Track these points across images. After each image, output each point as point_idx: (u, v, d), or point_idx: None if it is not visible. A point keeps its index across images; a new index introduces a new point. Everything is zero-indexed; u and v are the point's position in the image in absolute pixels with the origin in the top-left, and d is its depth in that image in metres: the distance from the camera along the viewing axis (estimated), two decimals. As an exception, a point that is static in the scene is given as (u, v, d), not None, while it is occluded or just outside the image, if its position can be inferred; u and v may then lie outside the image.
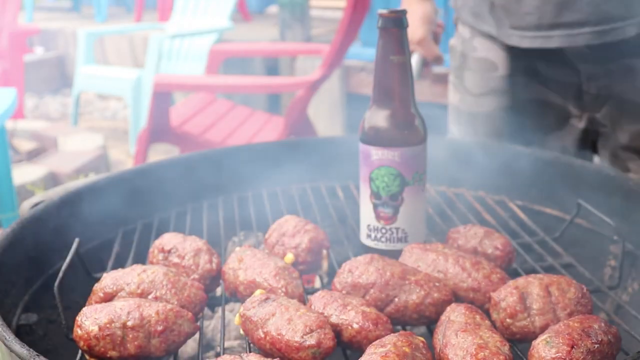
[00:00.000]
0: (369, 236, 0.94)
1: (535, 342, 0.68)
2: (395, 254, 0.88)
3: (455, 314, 0.72)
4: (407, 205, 0.91)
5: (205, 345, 0.98)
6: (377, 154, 0.90)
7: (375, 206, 0.92)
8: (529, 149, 1.14)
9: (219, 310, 0.87)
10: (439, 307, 0.76)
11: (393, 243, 0.93)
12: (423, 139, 0.91)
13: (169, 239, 0.89)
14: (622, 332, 0.75)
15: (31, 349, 0.64)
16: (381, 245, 0.93)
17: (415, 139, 0.90)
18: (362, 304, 0.74)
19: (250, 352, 0.74)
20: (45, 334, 0.86)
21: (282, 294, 0.78)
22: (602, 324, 0.68)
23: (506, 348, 0.67)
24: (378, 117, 0.90)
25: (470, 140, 1.21)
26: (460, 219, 1.09)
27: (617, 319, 0.78)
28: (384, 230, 0.93)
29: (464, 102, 1.35)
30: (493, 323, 0.74)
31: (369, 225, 0.94)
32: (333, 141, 1.25)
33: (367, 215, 0.94)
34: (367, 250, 0.95)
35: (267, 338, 0.70)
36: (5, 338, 0.67)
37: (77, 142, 3.53)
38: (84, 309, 0.73)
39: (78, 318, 0.72)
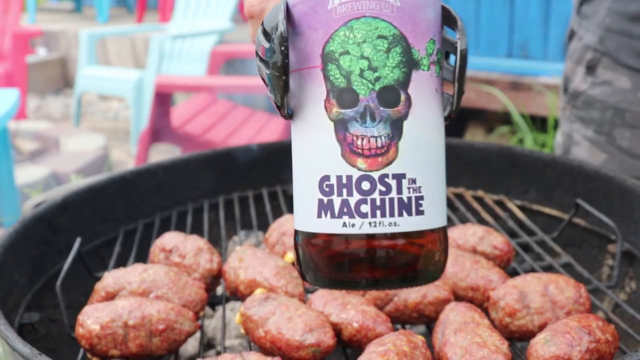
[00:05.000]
0: (326, 208, 0.46)
1: (533, 341, 0.68)
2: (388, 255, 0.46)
3: (454, 313, 0.72)
4: (417, 119, 0.45)
5: (206, 344, 0.98)
6: None
7: (342, 124, 0.45)
8: (527, 149, 1.14)
9: (220, 309, 0.88)
10: (438, 306, 0.77)
11: (389, 217, 0.44)
12: None
13: (170, 239, 0.89)
14: (620, 330, 0.76)
15: (33, 348, 0.65)
16: (365, 226, 0.45)
17: None
18: (362, 303, 0.74)
19: (250, 350, 0.75)
20: (47, 333, 0.86)
21: (283, 293, 0.79)
22: (600, 323, 0.68)
23: (505, 347, 0.67)
24: None
25: (468, 141, 1.21)
26: (459, 218, 1.09)
27: (615, 318, 0.78)
28: (366, 184, 0.45)
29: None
30: (492, 322, 0.75)
31: (325, 181, 0.45)
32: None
33: (319, 154, 0.46)
34: (315, 248, 0.47)
35: (268, 337, 0.70)
36: (8, 337, 0.67)
37: (79, 142, 3.54)
38: (85, 307, 0.73)
39: (80, 317, 0.72)
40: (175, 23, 4.34)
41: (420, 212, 0.46)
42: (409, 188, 0.45)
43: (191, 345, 0.95)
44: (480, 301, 0.79)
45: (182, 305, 0.77)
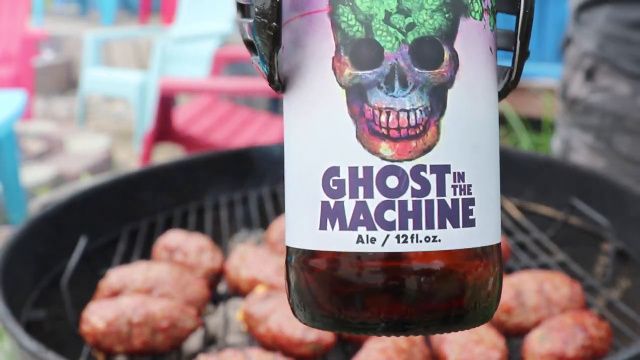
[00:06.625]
0: (332, 215, 0.32)
1: (529, 338, 0.70)
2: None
3: (451, 310, 0.74)
4: (466, 88, 0.32)
5: (208, 341, 1.00)
6: None
7: (359, 92, 0.31)
8: (523, 149, 1.15)
9: (222, 306, 0.89)
10: (436, 304, 0.78)
11: (426, 228, 0.31)
12: None
13: (173, 237, 0.91)
14: (614, 327, 0.77)
15: (40, 344, 0.66)
16: (391, 241, 0.31)
17: None
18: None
19: (252, 347, 0.76)
20: (53, 329, 0.88)
21: (283, 290, 0.80)
22: (595, 320, 0.70)
23: (502, 343, 0.69)
24: None
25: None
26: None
27: (608, 315, 0.80)
28: (393, 180, 0.31)
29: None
30: (488, 319, 0.76)
31: (332, 176, 0.32)
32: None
33: (324, 137, 0.32)
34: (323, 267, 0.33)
35: (269, 334, 0.71)
36: (16, 334, 0.69)
37: (84, 143, 3.57)
38: (90, 305, 0.75)
39: (85, 314, 0.74)
40: (178, 26, 4.36)
41: (469, 223, 0.32)
42: (454, 187, 0.31)
43: (193, 342, 0.97)
44: (477, 299, 0.80)
45: (185, 302, 0.79)
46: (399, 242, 0.31)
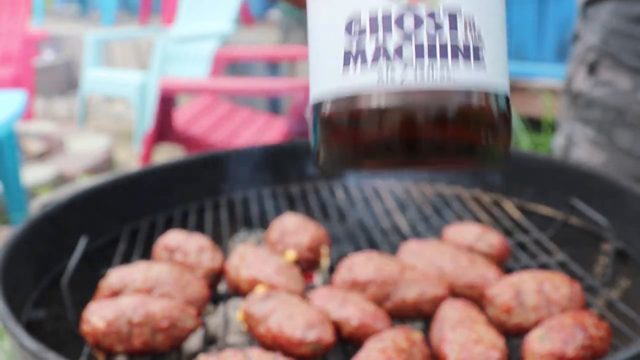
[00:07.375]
0: (355, 56, 0.36)
1: (528, 338, 0.70)
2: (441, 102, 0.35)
3: (451, 310, 0.74)
4: None
5: (209, 341, 1.00)
6: None
7: None
8: (523, 149, 1.16)
9: (222, 306, 0.89)
10: (436, 304, 0.78)
11: (441, 59, 0.35)
12: None
13: (173, 237, 0.91)
14: (613, 327, 0.77)
15: (41, 344, 0.66)
16: (409, 74, 0.35)
17: None
18: (361, 301, 0.76)
19: (252, 347, 0.76)
20: (54, 329, 0.88)
21: (283, 290, 0.80)
22: (594, 320, 0.70)
23: (501, 343, 0.68)
24: None
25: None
26: (456, 216, 1.11)
27: (608, 315, 0.80)
28: (409, 23, 0.35)
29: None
30: (489, 318, 0.76)
31: (353, 23, 0.36)
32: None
33: None
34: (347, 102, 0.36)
35: (269, 334, 0.71)
36: (16, 334, 0.69)
37: (84, 143, 3.57)
38: (90, 305, 0.75)
39: (85, 314, 0.74)
40: (178, 26, 4.36)
41: (481, 65, 0.35)
42: (465, 30, 0.35)
43: (194, 342, 0.97)
44: (477, 298, 0.80)
45: (185, 302, 0.79)
46: (416, 79, 0.35)
